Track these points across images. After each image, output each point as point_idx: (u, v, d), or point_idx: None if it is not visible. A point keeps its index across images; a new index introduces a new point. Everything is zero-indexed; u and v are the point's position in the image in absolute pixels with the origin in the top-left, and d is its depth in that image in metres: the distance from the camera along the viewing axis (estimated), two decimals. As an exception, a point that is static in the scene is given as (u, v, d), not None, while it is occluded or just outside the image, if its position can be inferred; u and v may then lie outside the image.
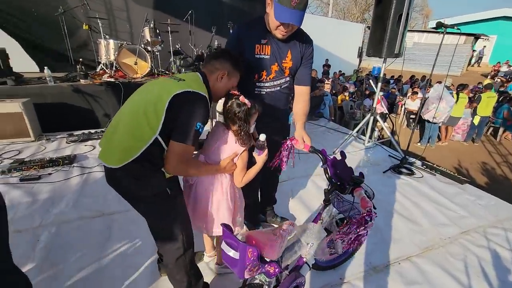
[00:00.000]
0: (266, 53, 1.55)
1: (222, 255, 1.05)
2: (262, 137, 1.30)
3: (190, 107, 1.10)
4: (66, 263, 1.74)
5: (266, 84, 1.64)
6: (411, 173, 3.17)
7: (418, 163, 3.45)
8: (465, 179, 3.05)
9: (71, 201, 2.35)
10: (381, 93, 7.90)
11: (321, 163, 1.40)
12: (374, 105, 3.66)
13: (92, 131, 3.90)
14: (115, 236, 1.99)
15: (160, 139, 1.10)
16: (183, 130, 1.10)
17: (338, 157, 1.43)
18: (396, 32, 3.03)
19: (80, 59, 5.06)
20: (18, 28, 5.15)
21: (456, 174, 3.12)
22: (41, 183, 2.59)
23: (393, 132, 4.31)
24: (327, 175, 1.37)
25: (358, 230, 1.04)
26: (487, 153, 6.89)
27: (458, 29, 2.91)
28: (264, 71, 1.59)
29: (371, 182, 2.96)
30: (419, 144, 6.87)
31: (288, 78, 1.68)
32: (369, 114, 3.66)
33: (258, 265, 1.00)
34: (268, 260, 1.04)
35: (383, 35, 3.11)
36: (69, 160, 3.01)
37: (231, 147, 1.35)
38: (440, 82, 8.33)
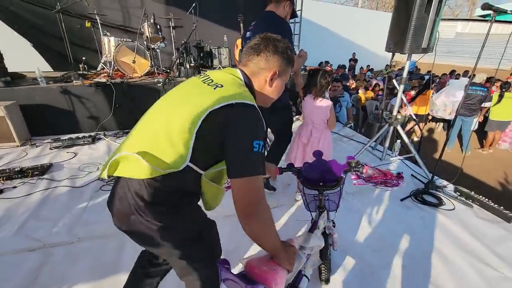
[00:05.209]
0: None
1: None
2: None
3: (239, 126, 0.84)
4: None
5: None
6: (438, 203, 2.47)
7: (450, 187, 2.72)
8: (515, 215, 2.28)
9: (17, 224, 2.06)
10: (413, 92, 6.96)
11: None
12: (395, 112, 2.95)
13: (80, 135, 3.69)
14: (44, 277, 1.65)
15: (192, 166, 0.86)
16: (239, 159, 0.84)
17: None
18: (425, 20, 2.32)
19: (83, 58, 4.95)
20: (24, 27, 5.16)
21: (502, 208, 2.35)
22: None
23: (420, 142, 3.57)
24: (308, 186, 1.36)
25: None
26: (546, 165, 5.67)
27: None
28: None
29: (384, 213, 2.34)
30: (447, 148, 5.93)
31: None
32: (387, 124, 2.96)
33: None
34: None
35: (407, 24, 2.42)
36: (41, 171, 2.77)
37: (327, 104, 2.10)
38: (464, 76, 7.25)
